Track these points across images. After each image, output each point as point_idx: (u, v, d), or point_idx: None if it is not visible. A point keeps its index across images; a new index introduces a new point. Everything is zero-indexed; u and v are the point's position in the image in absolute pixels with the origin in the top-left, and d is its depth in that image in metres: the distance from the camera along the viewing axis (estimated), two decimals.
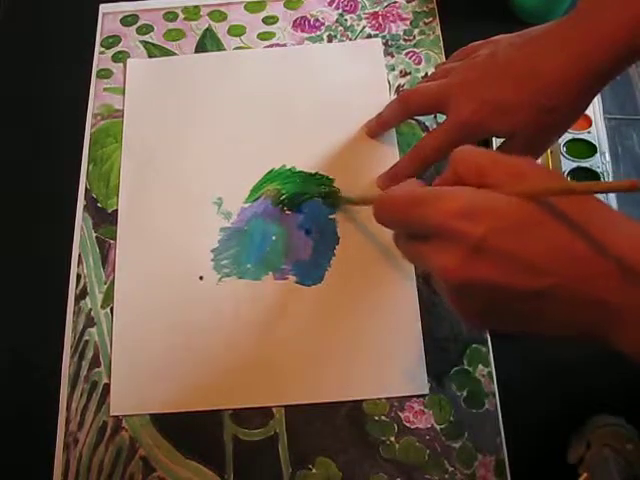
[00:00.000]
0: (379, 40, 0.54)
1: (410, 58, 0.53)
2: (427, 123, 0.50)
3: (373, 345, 0.43)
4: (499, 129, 0.40)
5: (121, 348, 0.44)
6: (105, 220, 0.48)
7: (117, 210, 0.48)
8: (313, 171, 0.49)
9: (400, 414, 0.42)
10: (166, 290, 0.45)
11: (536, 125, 0.39)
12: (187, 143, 0.50)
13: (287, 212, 0.48)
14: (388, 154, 0.49)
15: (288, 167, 0.49)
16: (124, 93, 0.52)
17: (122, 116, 0.52)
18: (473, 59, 0.42)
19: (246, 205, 0.48)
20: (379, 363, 0.43)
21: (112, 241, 0.47)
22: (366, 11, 0.55)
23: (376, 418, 0.42)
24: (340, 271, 0.45)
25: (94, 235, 0.48)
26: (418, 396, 0.42)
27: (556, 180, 0.30)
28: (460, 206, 0.28)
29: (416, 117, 0.50)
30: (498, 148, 0.43)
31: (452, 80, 0.42)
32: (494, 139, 0.47)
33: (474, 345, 0.43)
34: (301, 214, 0.47)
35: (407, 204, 0.31)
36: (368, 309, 0.44)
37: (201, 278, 0.46)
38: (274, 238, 0.47)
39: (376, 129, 0.49)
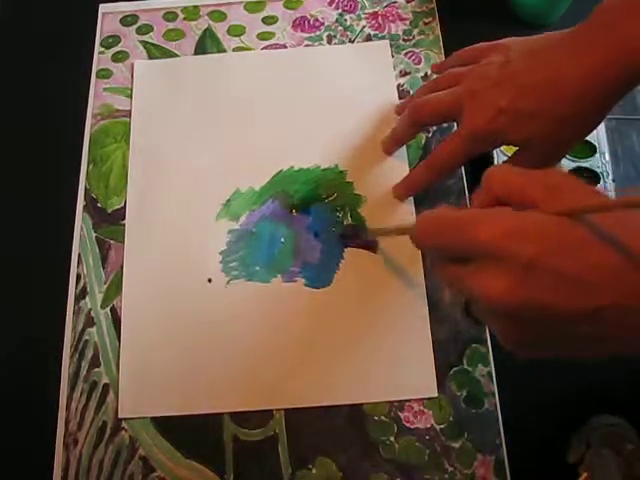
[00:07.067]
0: (387, 42, 0.53)
1: (410, 58, 0.53)
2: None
3: (382, 349, 0.43)
4: (515, 138, 0.39)
5: (129, 351, 0.44)
6: (105, 220, 0.48)
7: (117, 210, 0.48)
8: (325, 165, 0.49)
9: (400, 414, 0.42)
10: (175, 292, 0.45)
11: (552, 134, 0.38)
12: (195, 144, 0.50)
13: (295, 214, 0.47)
14: (397, 154, 0.49)
15: (296, 169, 0.49)
16: (131, 94, 0.52)
17: (122, 116, 0.52)
18: (485, 66, 0.41)
19: (254, 207, 0.48)
20: (388, 367, 0.43)
21: (112, 241, 0.47)
22: (366, 11, 0.55)
23: (376, 418, 0.42)
24: (349, 274, 0.45)
25: (94, 235, 0.48)
26: None
27: (591, 195, 0.29)
28: (508, 227, 0.28)
29: None
30: (511, 157, 0.42)
31: (465, 88, 0.41)
32: (495, 152, 0.47)
33: (474, 345, 0.43)
34: (310, 216, 0.47)
35: (453, 227, 0.30)
36: (377, 312, 0.44)
37: (210, 280, 0.46)
38: (282, 240, 0.47)
39: (391, 145, 0.48)
